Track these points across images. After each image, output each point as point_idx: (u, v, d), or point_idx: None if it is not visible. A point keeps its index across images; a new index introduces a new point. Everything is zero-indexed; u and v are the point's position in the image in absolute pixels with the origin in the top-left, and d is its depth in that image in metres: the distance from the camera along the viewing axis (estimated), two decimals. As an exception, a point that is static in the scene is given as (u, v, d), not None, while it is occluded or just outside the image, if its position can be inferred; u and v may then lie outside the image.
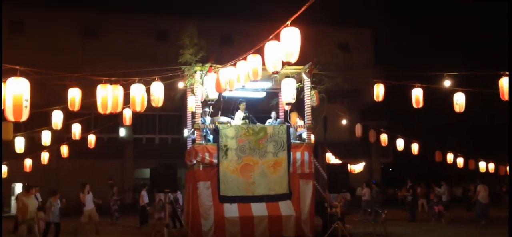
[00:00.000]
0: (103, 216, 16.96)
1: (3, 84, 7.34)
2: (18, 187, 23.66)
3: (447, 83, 11.99)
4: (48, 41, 26.26)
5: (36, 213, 12.89)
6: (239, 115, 13.01)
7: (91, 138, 17.28)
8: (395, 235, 13.49)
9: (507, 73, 10.22)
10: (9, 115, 7.06)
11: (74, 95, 10.79)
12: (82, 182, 15.46)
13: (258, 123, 12.76)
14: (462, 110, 11.80)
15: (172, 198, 16.63)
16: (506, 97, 10.25)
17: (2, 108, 7.25)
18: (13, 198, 22.09)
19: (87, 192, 14.88)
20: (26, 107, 7.11)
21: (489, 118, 31.61)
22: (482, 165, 21.81)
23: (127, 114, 14.07)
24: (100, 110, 9.67)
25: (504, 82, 10.25)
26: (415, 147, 19.69)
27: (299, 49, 7.32)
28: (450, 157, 20.72)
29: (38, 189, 15.56)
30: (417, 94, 12.00)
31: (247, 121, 12.69)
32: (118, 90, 9.77)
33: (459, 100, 11.75)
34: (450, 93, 12.02)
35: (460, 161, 21.01)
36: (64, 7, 27.52)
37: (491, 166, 21.99)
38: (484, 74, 11.18)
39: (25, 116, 7.13)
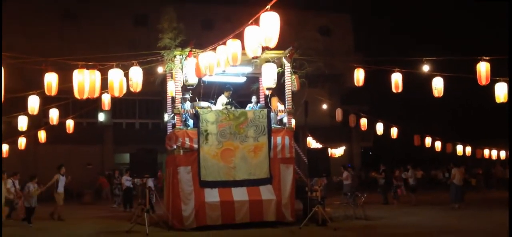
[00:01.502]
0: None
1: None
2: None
3: (426, 68, 12.11)
4: (24, 25, 25.69)
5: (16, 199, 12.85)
6: (222, 100, 12.95)
7: (70, 123, 17.04)
8: (375, 218, 13.66)
9: (485, 58, 10.39)
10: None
11: (51, 80, 10.57)
12: (59, 164, 15.28)
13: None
14: (441, 94, 11.94)
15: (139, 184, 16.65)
16: (483, 81, 10.44)
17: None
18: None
19: (62, 175, 14.72)
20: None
21: (467, 102, 32.12)
22: (459, 149, 22.18)
23: (106, 99, 13.90)
24: (77, 95, 9.52)
25: (481, 66, 10.42)
26: (394, 131, 19.91)
27: (278, 34, 7.27)
28: (428, 141, 21.00)
29: (17, 177, 15.36)
30: (396, 79, 12.07)
31: (230, 106, 12.66)
32: (95, 75, 9.62)
33: (438, 85, 11.89)
34: (429, 78, 12.14)
35: (438, 145, 21.32)
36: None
37: (468, 150, 22.38)
38: (462, 59, 11.33)
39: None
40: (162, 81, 13.37)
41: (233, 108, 12.62)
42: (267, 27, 7.24)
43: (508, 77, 10.59)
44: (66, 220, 14.32)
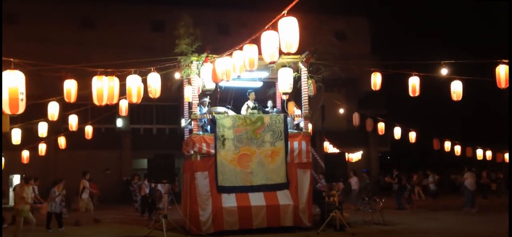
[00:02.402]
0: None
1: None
2: (16, 179, 23.71)
3: (444, 71, 11.98)
4: (43, 32, 26.14)
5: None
6: (248, 104, 13.00)
7: (88, 129, 17.24)
8: (393, 223, 13.52)
9: (504, 61, 10.24)
10: (5, 108, 7.03)
11: (70, 87, 10.74)
12: (84, 170, 15.54)
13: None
14: (460, 98, 11.80)
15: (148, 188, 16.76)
16: (502, 84, 10.28)
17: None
18: (11, 189, 22.12)
19: (87, 181, 14.98)
20: (22, 100, 7.07)
21: (486, 105, 31.68)
22: (479, 153, 21.86)
23: (124, 105, 14.04)
24: (96, 101, 9.63)
25: (500, 70, 10.27)
26: (412, 136, 19.72)
27: (298, 39, 7.27)
28: (447, 145, 20.75)
29: (37, 182, 15.58)
30: (413, 83, 11.97)
31: (256, 111, 12.70)
32: (114, 81, 9.72)
33: (457, 88, 11.75)
34: (447, 81, 12.01)
35: (457, 149, 21.05)
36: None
37: (489, 154, 22.05)
38: (481, 62, 11.18)
39: (21, 109, 7.10)
40: (179, 87, 13.46)
41: (259, 112, 12.65)
42: (286, 32, 7.22)
43: (509, 78, 10.35)
44: (83, 224, 14.45)
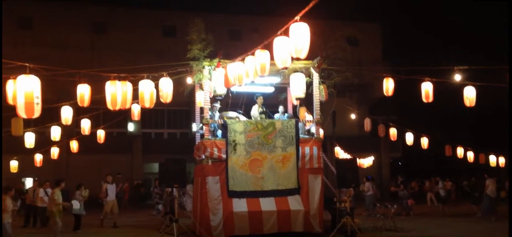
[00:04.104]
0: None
1: (13, 81, 7.38)
2: (29, 182, 23.93)
3: (457, 77, 11.87)
4: (56, 37, 26.43)
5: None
6: (256, 109, 13.02)
7: (101, 133, 17.36)
8: (405, 230, 13.42)
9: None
10: (21, 112, 7.08)
11: (84, 91, 10.83)
12: (107, 173, 15.85)
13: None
14: (473, 104, 11.67)
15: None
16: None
17: (14, 105, 7.31)
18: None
19: (110, 183, 15.10)
20: (37, 104, 7.13)
21: (499, 111, 31.33)
22: (492, 160, 21.61)
23: (136, 110, 14.13)
24: (110, 106, 9.68)
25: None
26: (424, 142, 19.57)
27: (308, 45, 7.26)
28: (460, 151, 20.55)
29: (48, 184, 15.71)
30: (427, 88, 11.86)
31: (264, 115, 12.70)
32: (127, 86, 9.78)
33: (470, 94, 11.63)
34: (459, 87, 11.90)
35: (470, 155, 20.84)
36: (72, 3, 27.68)
37: (502, 160, 21.79)
38: (494, 67, 11.07)
39: (37, 113, 7.15)
40: (191, 92, 13.52)
41: (267, 117, 12.66)
42: (297, 38, 7.21)
43: (509, 79, 10.20)
44: (94, 228, 14.51)
